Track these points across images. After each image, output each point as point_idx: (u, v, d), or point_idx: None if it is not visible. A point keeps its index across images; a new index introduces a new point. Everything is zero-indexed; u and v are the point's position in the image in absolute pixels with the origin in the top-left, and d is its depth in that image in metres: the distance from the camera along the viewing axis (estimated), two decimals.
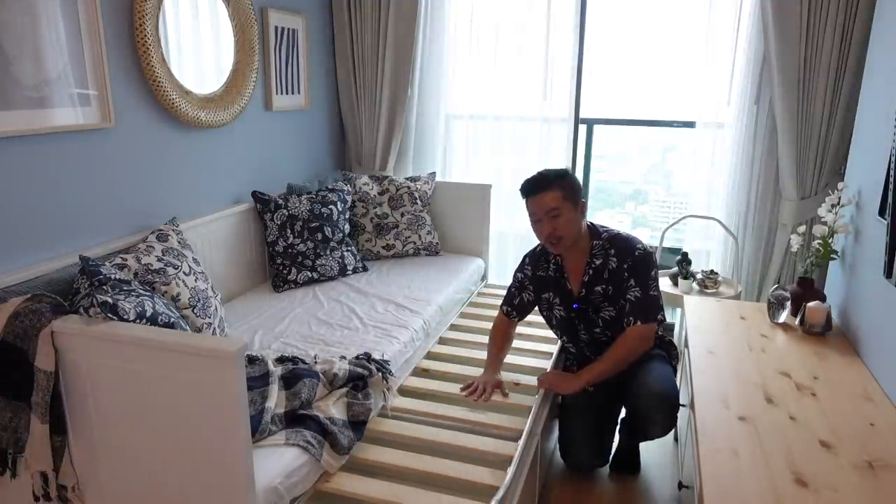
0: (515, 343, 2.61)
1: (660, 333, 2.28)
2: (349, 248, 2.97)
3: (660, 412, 2.00)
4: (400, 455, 1.82)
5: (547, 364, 2.37)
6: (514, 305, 2.31)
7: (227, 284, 2.63)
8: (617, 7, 3.34)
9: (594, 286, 2.13)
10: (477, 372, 2.34)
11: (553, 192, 2.02)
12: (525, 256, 2.32)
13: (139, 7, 2.13)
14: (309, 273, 2.79)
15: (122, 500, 1.55)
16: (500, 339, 2.32)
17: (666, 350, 2.25)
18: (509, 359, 2.45)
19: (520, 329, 2.72)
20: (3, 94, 1.74)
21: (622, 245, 2.11)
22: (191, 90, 2.41)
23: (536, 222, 2.08)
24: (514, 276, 2.33)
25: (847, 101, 2.71)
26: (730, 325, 2.28)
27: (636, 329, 2.07)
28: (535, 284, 2.27)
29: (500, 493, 1.60)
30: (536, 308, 2.34)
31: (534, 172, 2.10)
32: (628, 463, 2.35)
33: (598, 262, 2.12)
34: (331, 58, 3.49)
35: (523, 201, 2.11)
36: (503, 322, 2.34)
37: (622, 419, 2.33)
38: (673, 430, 2.54)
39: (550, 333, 2.66)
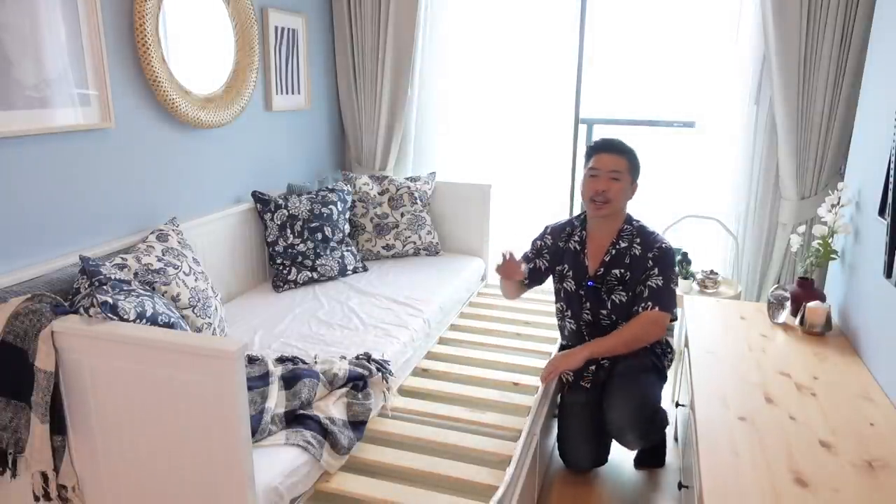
0: (515, 343, 2.61)
1: None
2: (349, 248, 2.97)
3: (632, 431, 2.03)
4: (400, 455, 1.82)
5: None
6: (529, 269, 2.33)
7: (227, 284, 2.64)
8: (617, 7, 3.34)
9: (612, 268, 2.16)
10: (477, 371, 2.34)
11: (623, 159, 2.11)
12: (546, 227, 2.35)
13: (139, 7, 2.13)
14: (309, 273, 2.79)
15: (122, 500, 1.55)
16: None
17: (655, 353, 2.24)
18: (509, 359, 2.45)
19: (519, 329, 2.73)
20: (5, 95, 1.74)
21: (648, 237, 2.16)
22: (191, 90, 2.41)
23: (593, 177, 2.12)
24: (532, 243, 2.36)
25: (847, 101, 2.71)
26: (730, 325, 2.28)
27: (652, 313, 2.09)
28: (553, 254, 2.29)
29: (500, 493, 1.60)
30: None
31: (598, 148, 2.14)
32: (651, 457, 2.36)
33: (622, 245, 2.16)
34: (331, 58, 3.49)
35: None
36: (514, 283, 2.34)
37: None
38: (673, 430, 2.54)
39: (550, 333, 2.66)
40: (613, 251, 2.17)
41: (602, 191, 2.10)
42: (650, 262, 2.12)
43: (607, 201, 2.10)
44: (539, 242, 2.34)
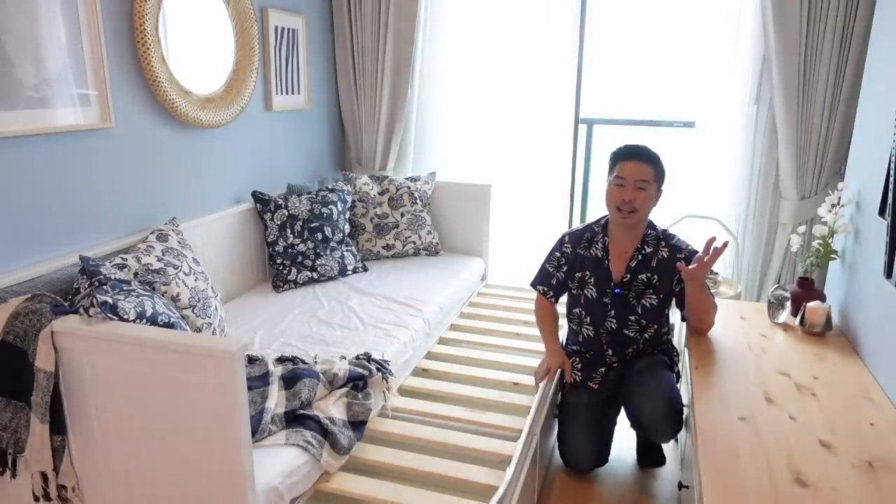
0: (515, 343, 2.62)
1: (667, 337, 2.28)
2: (349, 248, 2.97)
3: (666, 424, 2.02)
4: (400, 455, 1.83)
5: None
6: (553, 286, 2.31)
7: (227, 284, 2.64)
8: (617, 7, 3.34)
9: (638, 273, 2.16)
10: (477, 371, 2.34)
11: (649, 167, 2.08)
12: (564, 235, 2.32)
13: (139, 7, 2.13)
14: (309, 273, 2.79)
15: (122, 500, 1.55)
16: (549, 317, 2.32)
17: (668, 355, 2.24)
18: (509, 359, 2.45)
19: (519, 329, 2.73)
20: (6, 95, 1.74)
21: (674, 242, 2.16)
22: (191, 90, 2.41)
23: (619, 186, 2.10)
24: (551, 254, 2.32)
25: (847, 101, 2.71)
26: (730, 325, 2.28)
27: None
28: (572, 262, 2.26)
29: (500, 493, 1.60)
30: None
31: (629, 144, 2.15)
32: (652, 456, 2.36)
33: (648, 250, 2.16)
34: (331, 58, 3.49)
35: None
36: (545, 303, 2.33)
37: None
38: None
39: None
40: (639, 256, 2.15)
41: (629, 200, 2.07)
42: (684, 263, 2.09)
43: (634, 210, 2.08)
44: (558, 253, 2.30)
